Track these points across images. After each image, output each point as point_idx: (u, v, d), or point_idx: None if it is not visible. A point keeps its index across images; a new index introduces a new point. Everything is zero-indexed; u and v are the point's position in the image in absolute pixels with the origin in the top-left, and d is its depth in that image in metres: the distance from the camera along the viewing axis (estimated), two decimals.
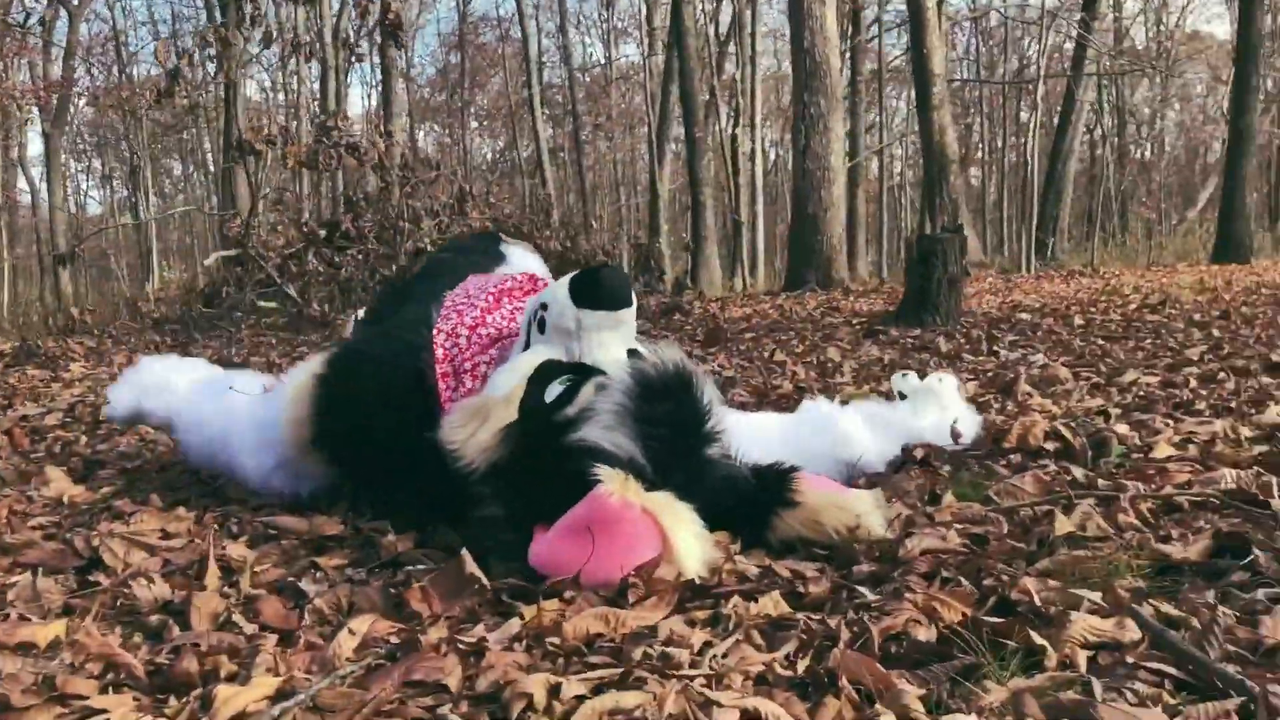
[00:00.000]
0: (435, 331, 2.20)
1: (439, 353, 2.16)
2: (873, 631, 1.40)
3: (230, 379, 2.58)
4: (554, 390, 1.89)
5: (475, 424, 1.89)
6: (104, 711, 1.30)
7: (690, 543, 1.72)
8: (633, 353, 2.00)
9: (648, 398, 1.84)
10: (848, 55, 19.78)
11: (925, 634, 1.42)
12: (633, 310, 2.02)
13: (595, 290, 1.94)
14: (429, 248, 7.49)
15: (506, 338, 2.22)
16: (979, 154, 31.82)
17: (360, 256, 7.47)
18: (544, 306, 2.01)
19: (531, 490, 1.82)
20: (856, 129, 20.27)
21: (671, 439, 1.85)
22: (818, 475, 2.04)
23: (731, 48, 22.21)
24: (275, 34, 8.41)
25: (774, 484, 1.94)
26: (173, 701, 1.33)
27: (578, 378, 1.90)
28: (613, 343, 1.97)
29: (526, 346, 2.05)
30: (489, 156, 36.37)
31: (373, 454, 2.17)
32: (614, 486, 1.67)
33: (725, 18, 22.87)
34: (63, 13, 25.52)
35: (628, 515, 1.66)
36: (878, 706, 1.20)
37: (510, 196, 12.85)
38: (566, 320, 1.96)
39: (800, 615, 1.53)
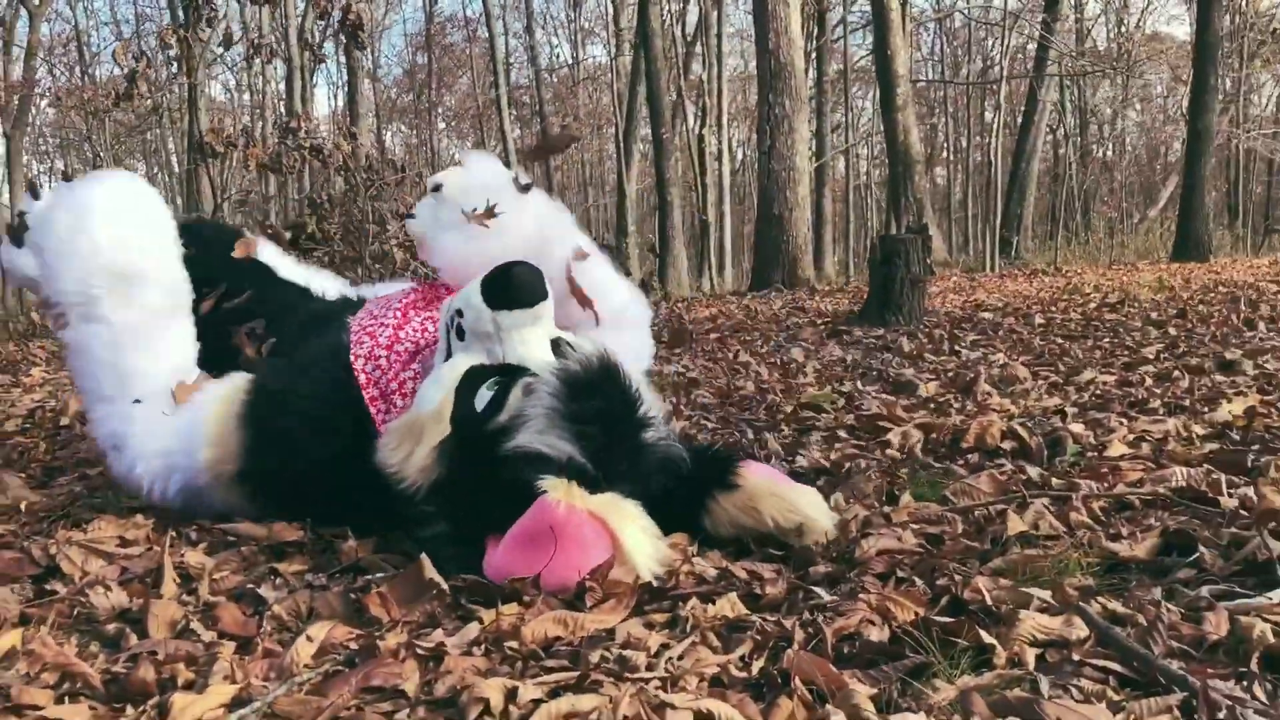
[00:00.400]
0: (353, 358, 2.18)
1: (362, 378, 2.15)
2: (826, 632, 1.42)
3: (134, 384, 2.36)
4: (484, 396, 1.89)
5: (410, 444, 1.89)
6: None
7: (640, 541, 1.73)
8: (556, 343, 2.00)
9: (576, 395, 1.84)
10: (813, 56, 19.91)
11: (878, 634, 1.44)
12: (549, 303, 2.00)
13: (509, 289, 1.93)
14: (395, 250, 7.45)
15: (425, 348, 2.21)
16: (944, 154, 32.06)
17: (325, 259, 7.41)
18: (459, 313, 2.00)
19: (476, 504, 1.82)
20: (823, 129, 20.41)
21: (605, 432, 1.85)
22: (761, 464, 2.07)
23: (698, 48, 22.26)
24: (237, 35, 8.35)
25: (712, 467, 1.96)
26: (129, 710, 1.33)
27: (505, 380, 1.90)
28: (534, 339, 1.97)
29: (448, 355, 2.04)
30: (456, 157, 36.24)
31: (305, 488, 2.14)
32: (558, 493, 1.68)
33: (692, 18, 22.93)
34: (23, 12, 25.19)
35: (574, 520, 1.67)
36: (829, 707, 1.22)
37: None
38: (484, 324, 1.96)
39: (756, 617, 1.54)
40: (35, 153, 33.41)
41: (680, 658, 1.40)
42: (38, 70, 26.27)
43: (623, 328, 2.41)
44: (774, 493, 1.91)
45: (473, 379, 1.92)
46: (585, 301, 2.32)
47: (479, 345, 1.98)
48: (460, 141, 36.72)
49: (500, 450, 1.80)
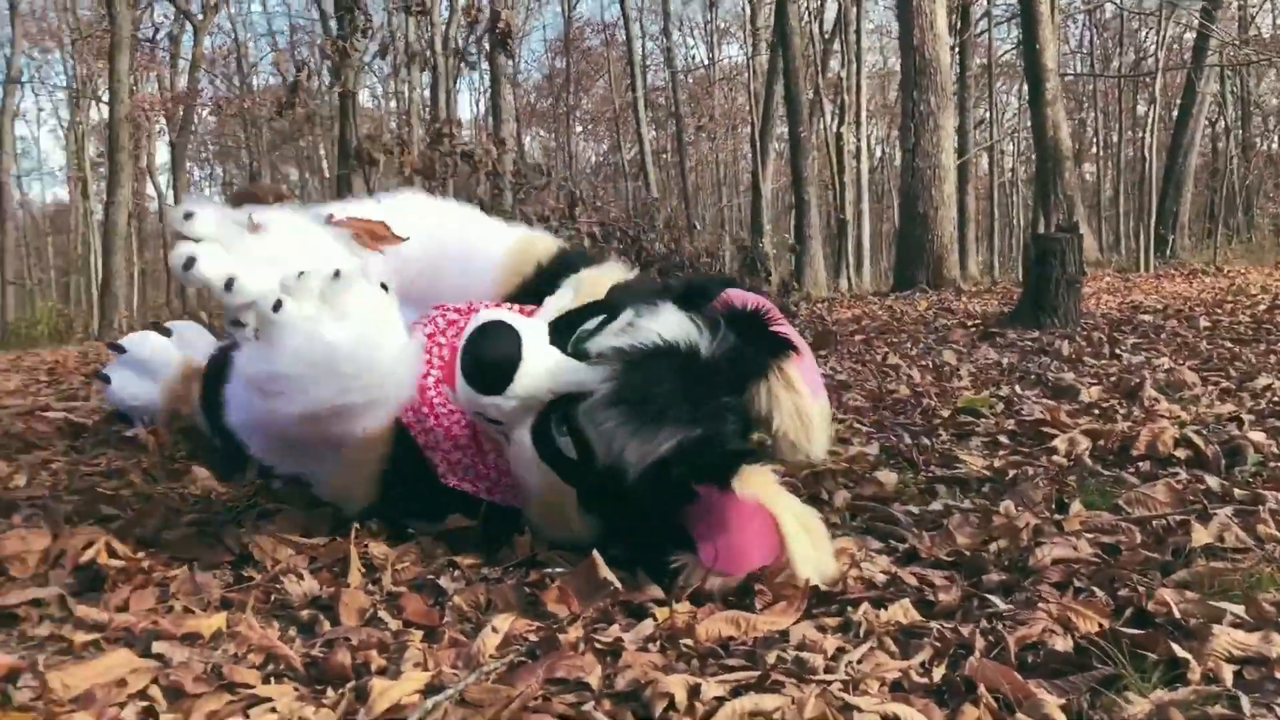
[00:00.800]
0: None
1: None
2: (1008, 640, 1.40)
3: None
4: (566, 444, 1.85)
5: (558, 526, 1.94)
6: (268, 700, 1.37)
7: (807, 550, 1.73)
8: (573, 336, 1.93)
9: (655, 375, 1.70)
10: (956, 50, 19.43)
11: (1062, 644, 1.41)
12: (528, 351, 1.87)
13: (480, 379, 1.88)
14: None
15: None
16: (1093, 149, 30.91)
17: None
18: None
19: (652, 531, 1.80)
20: (966, 125, 19.92)
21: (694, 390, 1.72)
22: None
23: (836, 45, 22.02)
24: (389, 44, 8.64)
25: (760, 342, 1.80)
26: (330, 693, 1.40)
27: (566, 412, 1.82)
28: (540, 372, 1.88)
29: None
30: (592, 160, 36.71)
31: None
32: (743, 482, 1.69)
33: (830, 15, 22.70)
34: (188, 27, 26.63)
35: (759, 511, 1.69)
36: (1018, 715, 1.21)
37: (614, 200, 12.97)
38: (494, 406, 1.91)
39: (932, 623, 1.53)
40: (196, 159, 35.24)
41: (859, 662, 1.40)
42: (200, 81, 27.73)
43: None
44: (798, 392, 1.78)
45: (544, 438, 1.88)
46: (371, 234, 2.01)
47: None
48: (597, 144, 37.17)
49: (633, 471, 1.66)
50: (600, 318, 1.95)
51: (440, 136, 7.19)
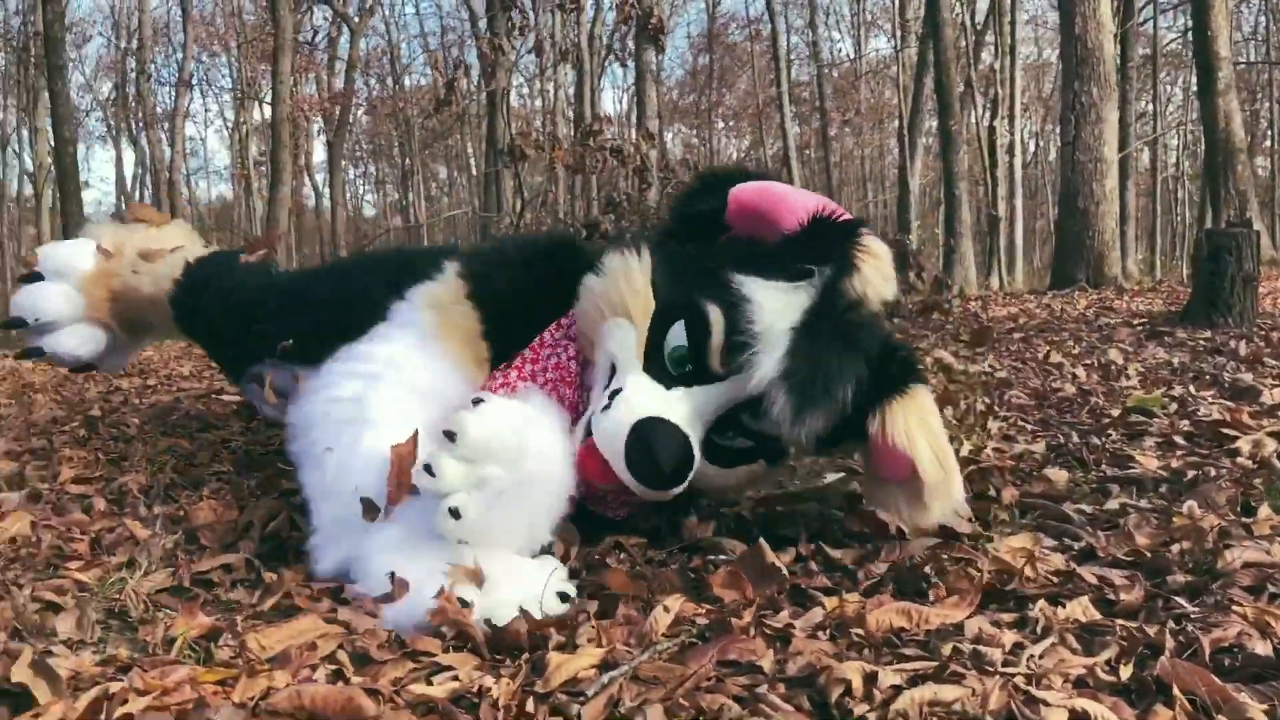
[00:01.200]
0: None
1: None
2: (1202, 642, 1.35)
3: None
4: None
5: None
6: (450, 668, 1.42)
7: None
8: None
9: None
10: (1118, 40, 18.63)
11: (1261, 648, 1.35)
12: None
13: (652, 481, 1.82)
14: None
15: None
16: (1266, 142, 29.18)
17: None
18: None
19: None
20: (1127, 118, 19.06)
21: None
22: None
23: (989, 36, 21.39)
24: (542, 41, 8.81)
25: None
26: (508, 663, 1.45)
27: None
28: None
29: None
30: (734, 155, 36.62)
31: None
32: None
33: (983, 5, 22.05)
34: (345, 30, 27.67)
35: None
36: (1217, 719, 1.16)
37: None
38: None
39: (1115, 621, 1.48)
40: (351, 157, 36.60)
41: (1040, 657, 1.36)
42: (356, 82, 28.79)
43: None
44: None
45: (717, 453, 1.93)
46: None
47: None
48: (739, 140, 37.06)
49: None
50: (679, 324, 1.88)
51: (590, 133, 7.30)
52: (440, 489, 1.56)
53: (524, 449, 1.61)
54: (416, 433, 1.75)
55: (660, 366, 1.87)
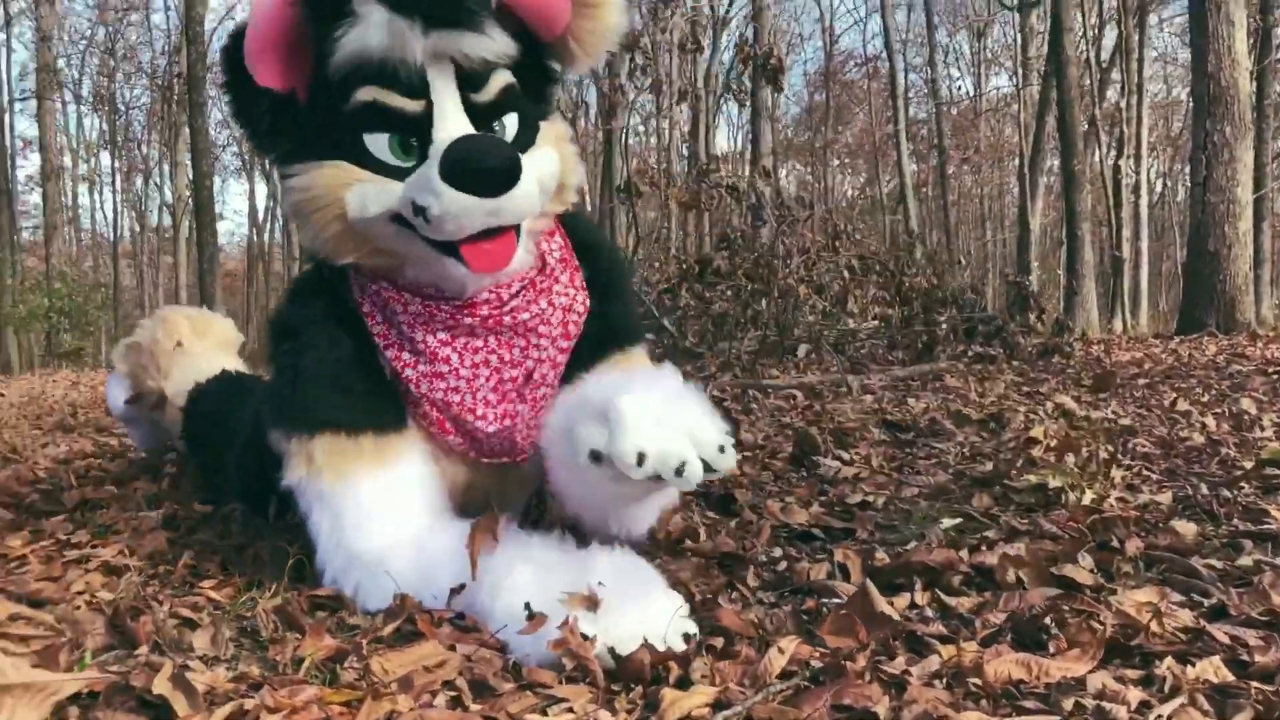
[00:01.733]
0: None
1: None
2: None
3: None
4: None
5: None
6: (565, 700, 1.45)
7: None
8: None
9: None
10: (1254, 77, 17.99)
11: None
12: None
13: None
14: (799, 285, 7.58)
15: None
16: None
17: (731, 292, 7.72)
18: None
19: None
20: (1263, 158, 18.34)
21: None
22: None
23: (1115, 74, 20.89)
24: (661, 82, 8.94)
25: None
26: (623, 697, 1.46)
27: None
28: None
29: None
30: (849, 193, 36.39)
31: None
32: None
33: (1108, 43, 21.58)
34: None
35: None
36: None
37: (872, 232, 12.80)
38: None
39: (1249, 684, 1.43)
40: None
41: (1170, 717, 1.32)
42: None
43: None
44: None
45: None
46: None
47: None
48: (854, 177, 36.84)
49: None
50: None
51: (706, 171, 7.37)
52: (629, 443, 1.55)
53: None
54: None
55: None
